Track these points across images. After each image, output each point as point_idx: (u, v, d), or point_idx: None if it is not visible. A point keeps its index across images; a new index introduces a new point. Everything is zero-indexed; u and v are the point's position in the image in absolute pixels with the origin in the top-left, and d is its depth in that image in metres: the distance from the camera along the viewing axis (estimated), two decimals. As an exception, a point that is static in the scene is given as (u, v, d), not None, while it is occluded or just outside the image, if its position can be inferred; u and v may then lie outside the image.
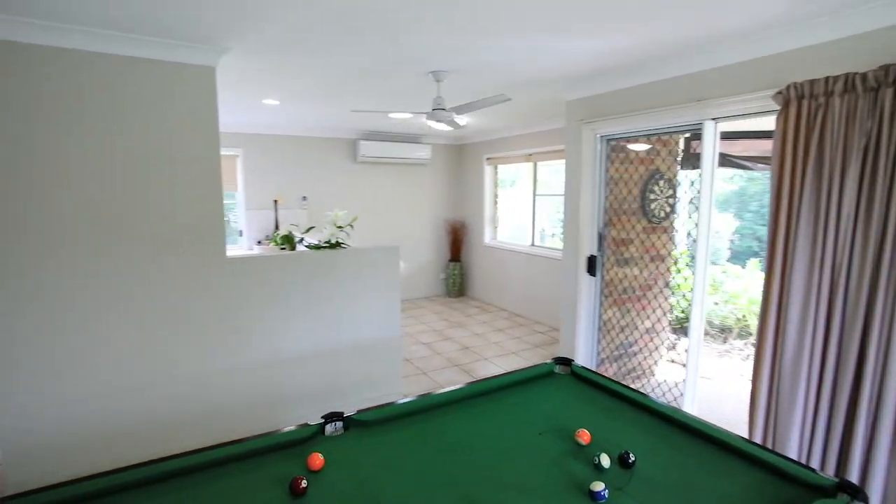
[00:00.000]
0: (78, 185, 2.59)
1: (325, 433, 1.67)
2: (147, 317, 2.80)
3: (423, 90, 3.76)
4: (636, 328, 3.91)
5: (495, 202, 6.65)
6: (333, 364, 3.37)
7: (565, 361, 2.16)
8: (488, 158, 6.52)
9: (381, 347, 3.53)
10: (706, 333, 5.40)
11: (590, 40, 2.54)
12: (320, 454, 1.46)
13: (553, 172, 5.80)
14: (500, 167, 6.55)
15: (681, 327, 4.67)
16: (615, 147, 3.58)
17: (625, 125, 3.26)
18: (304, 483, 1.31)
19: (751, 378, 2.46)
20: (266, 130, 5.79)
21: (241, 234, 5.89)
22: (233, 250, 5.90)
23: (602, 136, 3.50)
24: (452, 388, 1.97)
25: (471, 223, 7.04)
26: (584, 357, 3.73)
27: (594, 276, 3.62)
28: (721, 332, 5.32)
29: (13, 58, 2.39)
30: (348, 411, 1.77)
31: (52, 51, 2.46)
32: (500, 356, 4.59)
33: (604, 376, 2.00)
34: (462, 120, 4.89)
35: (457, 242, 7.03)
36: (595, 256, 3.59)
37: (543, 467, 1.43)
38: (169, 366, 2.90)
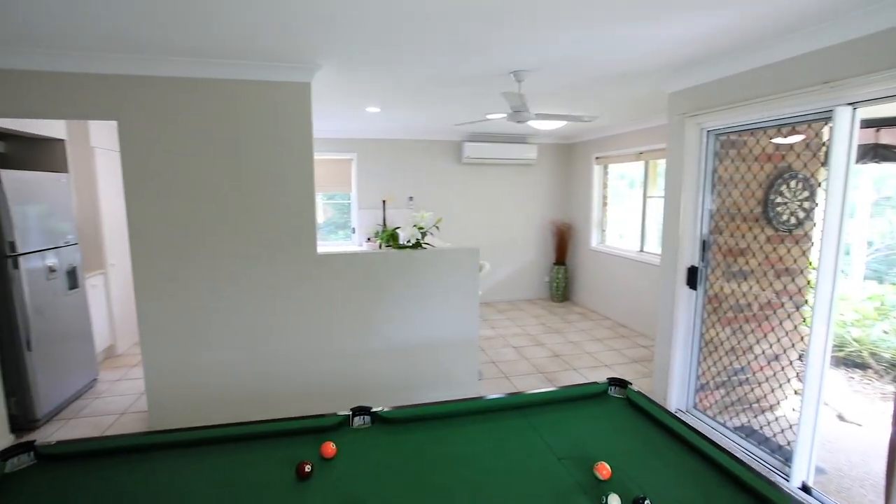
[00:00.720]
0: (209, 191, 3.09)
1: (353, 425, 1.76)
2: (255, 302, 3.24)
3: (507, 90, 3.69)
4: (752, 353, 3.36)
5: (604, 204, 6.23)
6: (411, 359, 3.51)
7: (621, 383, 1.96)
8: (597, 157, 6.13)
9: (458, 348, 3.57)
10: (869, 368, 4.42)
11: (691, 20, 2.23)
12: (333, 443, 1.55)
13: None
14: (611, 167, 6.11)
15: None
16: (725, 143, 3.12)
17: (734, 117, 2.82)
18: (308, 468, 1.41)
19: (892, 422, 1.96)
20: (377, 135, 6.21)
21: (353, 231, 6.42)
22: (346, 246, 6.47)
23: (708, 131, 3.08)
24: (493, 396, 1.93)
25: (577, 225, 6.71)
26: (678, 379, 3.33)
27: (694, 289, 3.20)
28: (892, 367, 4.29)
29: (156, 90, 2.95)
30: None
31: (187, 81, 2.97)
32: (591, 368, 4.31)
33: (660, 407, 1.78)
34: (550, 124, 4.70)
35: (562, 245, 6.76)
36: (696, 267, 3.17)
37: (545, 497, 1.33)
38: (270, 345, 3.30)
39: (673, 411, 3.28)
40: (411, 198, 6.45)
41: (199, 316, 3.18)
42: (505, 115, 3.37)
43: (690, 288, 3.22)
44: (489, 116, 3.72)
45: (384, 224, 6.35)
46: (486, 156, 6.38)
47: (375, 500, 1.32)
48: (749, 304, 3.33)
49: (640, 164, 5.40)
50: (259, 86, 3.08)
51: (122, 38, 2.48)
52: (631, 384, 1.95)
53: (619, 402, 1.89)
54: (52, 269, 3.62)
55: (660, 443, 1.60)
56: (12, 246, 3.24)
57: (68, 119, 3.03)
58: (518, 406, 1.87)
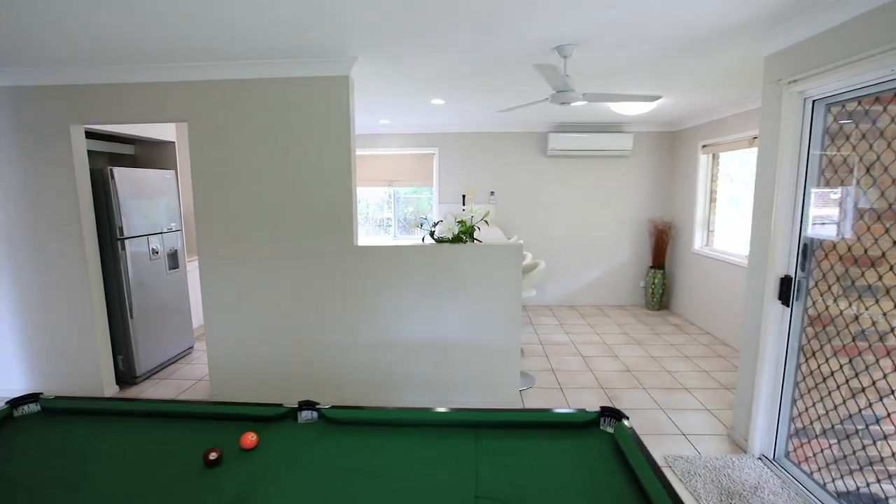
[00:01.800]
0: (260, 183, 3.31)
1: (299, 419, 1.69)
2: (298, 289, 3.39)
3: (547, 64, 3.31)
4: (878, 394, 2.55)
5: (711, 200, 5.33)
6: (445, 358, 3.36)
7: (615, 414, 1.60)
8: (704, 146, 5.27)
9: (496, 350, 3.33)
10: None
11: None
12: (254, 434, 1.49)
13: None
14: (721, 156, 5.20)
15: None
16: (841, 115, 2.39)
17: (853, 76, 2.14)
18: (213, 455, 1.37)
19: None
20: (459, 128, 6.12)
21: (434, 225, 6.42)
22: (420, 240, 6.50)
23: (814, 101, 2.40)
24: (445, 410, 1.71)
25: (679, 225, 5.86)
26: (764, 417, 2.68)
27: (788, 305, 2.53)
28: None
29: (215, 93, 3.22)
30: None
31: (241, 82, 3.19)
32: (664, 390, 3.70)
33: (645, 455, 1.39)
34: (633, 108, 4.12)
35: (660, 246, 5.96)
36: (791, 278, 2.50)
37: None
38: (311, 331, 3.43)
39: (756, 456, 2.66)
40: (493, 193, 6.24)
41: (251, 298, 3.42)
42: (547, 97, 3.02)
43: (783, 304, 2.56)
44: (527, 103, 3.35)
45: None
46: (574, 147, 5.89)
47: (260, 500, 1.23)
48: (881, 332, 2.53)
49: (755, 151, 4.48)
50: (301, 82, 3.18)
51: (177, 48, 2.75)
52: (627, 418, 1.57)
53: (605, 439, 1.53)
54: (154, 252, 4.21)
55: (627, 499, 1.25)
56: (121, 230, 3.83)
57: (151, 122, 3.46)
58: (476, 424, 1.63)
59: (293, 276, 3.36)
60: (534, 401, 3.50)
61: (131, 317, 3.92)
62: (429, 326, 3.32)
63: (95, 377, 3.68)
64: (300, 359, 3.44)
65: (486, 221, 3.52)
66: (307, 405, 1.71)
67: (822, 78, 2.25)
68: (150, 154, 4.78)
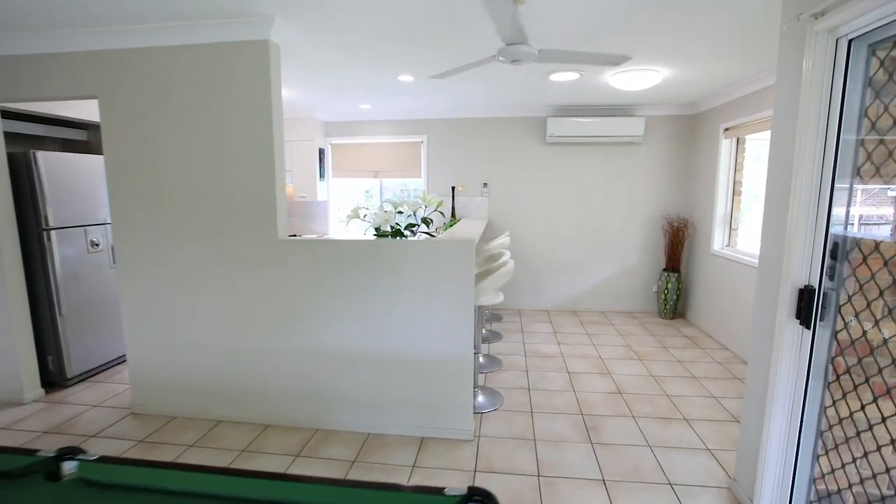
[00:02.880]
0: (175, 167, 2.86)
1: (63, 475, 1.18)
2: (218, 290, 2.92)
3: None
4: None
5: (735, 193, 4.56)
6: (385, 373, 2.82)
7: (485, 498, 1.01)
8: (726, 129, 4.50)
9: (445, 366, 2.76)
10: None
11: None
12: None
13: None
14: (747, 140, 4.42)
15: None
16: (889, 61, 1.70)
17: None
18: None
19: None
20: (448, 114, 5.55)
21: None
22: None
23: (849, 39, 1.72)
24: (235, 477, 1.16)
25: (697, 222, 5.09)
26: (773, 476, 2.01)
27: (809, 326, 1.85)
28: None
29: (126, 64, 2.78)
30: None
31: (144, 52, 2.74)
32: (659, 420, 3.03)
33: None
34: (636, 82, 3.45)
35: (675, 246, 5.21)
36: (813, 289, 1.83)
37: None
38: (235, 337, 2.96)
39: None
40: (485, 184, 5.64)
41: (171, 298, 2.98)
42: (494, 55, 2.41)
43: (802, 324, 1.88)
44: (468, 64, 2.70)
45: (453, 213, 5.68)
46: (576, 133, 5.21)
47: None
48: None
49: (785, 132, 3.72)
50: (216, 49, 2.70)
51: (78, 12, 2.31)
52: (494, 501, 0.98)
53: (466, 541, 0.95)
54: (94, 244, 3.85)
55: None
56: (46, 220, 3.47)
57: (60, 99, 3.06)
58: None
59: (215, 273, 2.90)
60: (493, 427, 2.90)
61: (60, 314, 3.55)
62: (366, 336, 2.78)
63: (16, 379, 3.33)
64: (226, 369, 2.98)
65: (440, 212, 2.96)
66: (68, 453, 1.20)
67: (865, 2, 1.57)
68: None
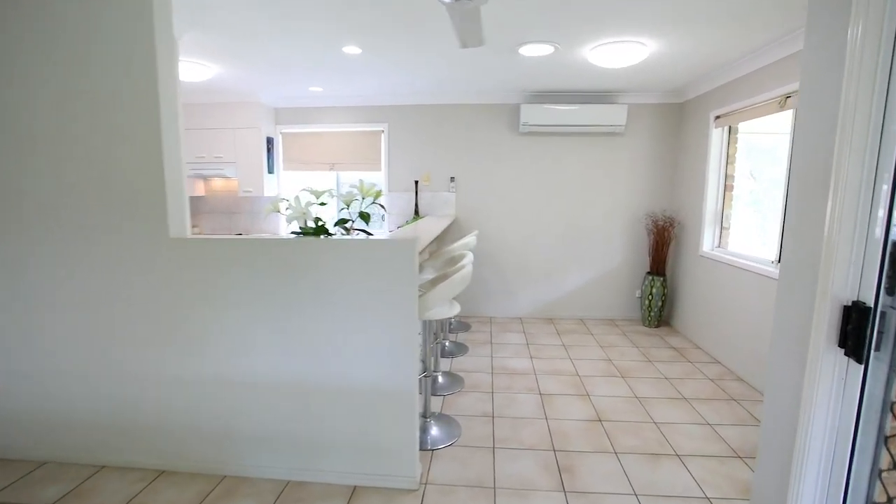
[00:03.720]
0: (26, 149, 2.22)
1: None
2: (92, 300, 2.29)
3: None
4: None
5: (726, 188, 4.10)
6: (308, 407, 2.24)
7: None
8: (717, 117, 4.04)
9: (383, 398, 2.19)
10: None
11: None
12: None
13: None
14: (740, 129, 3.97)
15: None
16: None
17: None
18: None
19: None
20: (412, 99, 4.98)
21: (383, 218, 5.31)
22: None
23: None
24: None
25: (684, 220, 4.63)
26: (801, 554, 1.48)
27: (860, 360, 1.33)
28: None
29: None
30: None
31: (-17, -23, 2.10)
32: (646, 457, 2.51)
33: None
34: (611, 57, 2.94)
35: (661, 247, 4.74)
36: (868, 308, 1.31)
37: None
38: (114, 363, 2.33)
39: None
40: (453, 178, 5.09)
41: (35, 315, 2.34)
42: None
43: (849, 356, 1.36)
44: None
45: (416, 210, 5.12)
46: (553, 122, 4.71)
47: None
48: None
49: (786, 116, 3.26)
50: (78, -18, 2.09)
51: None
52: None
53: None
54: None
55: None
56: None
57: None
58: None
59: (92, 281, 2.27)
60: (446, 469, 2.35)
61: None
62: (284, 360, 2.20)
63: None
64: (111, 401, 2.36)
65: (380, 205, 2.40)
66: None
67: None
68: None
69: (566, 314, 5.17)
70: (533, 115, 4.70)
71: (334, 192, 2.22)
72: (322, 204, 2.16)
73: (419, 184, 5.13)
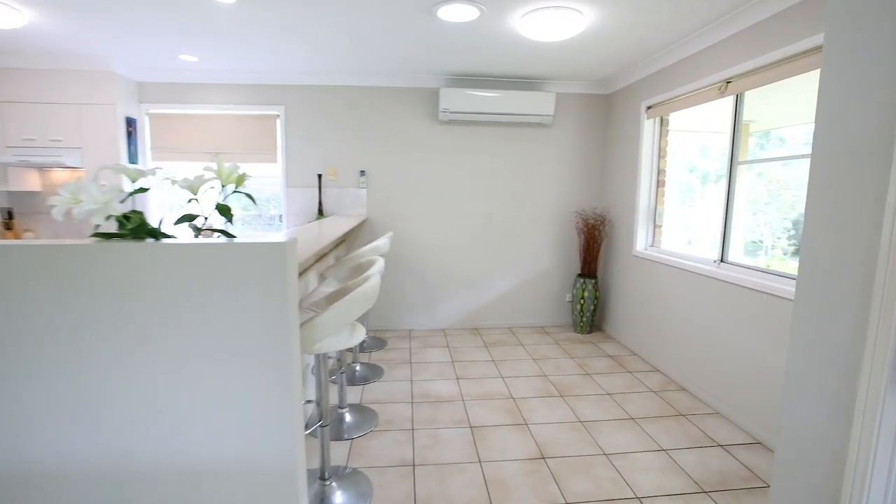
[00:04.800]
0: None
1: None
2: None
3: None
4: None
5: (658, 183, 3.85)
6: (128, 492, 1.45)
7: None
8: (650, 107, 3.77)
9: (248, 480, 1.46)
10: None
11: None
12: None
13: (778, 113, 2.81)
14: (673, 119, 3.73)
15: None
16: None
17: None
18: None
19: None
20: (313, 79, 4.24)
21: (280, 218, 4.48)
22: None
23: None
24: None
25: (615, 218, 4.35)
26: None
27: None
28: None
29: None
30: None
31: None
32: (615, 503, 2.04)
33: None
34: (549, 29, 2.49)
35: (592, 248, 4.43)
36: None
37: None
38: None
39: None
40: (363, 172, 4.41)
41: None
42: None
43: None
44: None
45: (320, 209, 4.37)
46: (476, 109, 4.21)
47: None
48: None
49: (725, 103, 3.01)
50: None
51: None
52: None
53: None
54: None
55: None
56: None
57: None
58: None
59: None
60: (347, 567, 1.68)
61: None
62: (82, 432, 1.40)
63: None
64: None
65: (248, 196, 1.69)
66: None
67: None
68: None
69: (493, 323, 4.69)
70: (454, 100, 4.17)
71: (180, 182, 1.47)
72: (142, 191, 1.40)
73: (323, 178, 4.38)
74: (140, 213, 1.40)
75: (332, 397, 3.03)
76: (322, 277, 3.19)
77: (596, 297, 4.42)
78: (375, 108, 4.33)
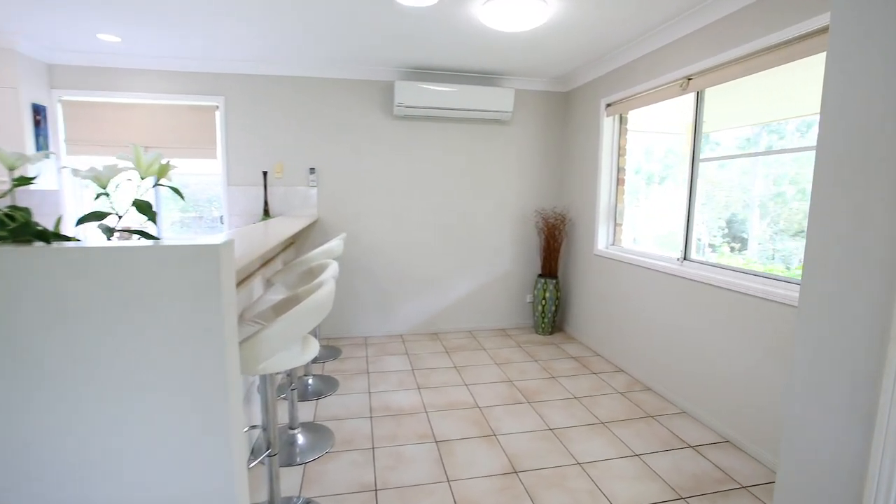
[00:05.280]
0: None
1: None
2: None
3: None
4: None
5: (619, 182, 3.82)
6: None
7: None
8: (609, 105, 3.74)
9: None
10: None
11: None
12: None
13: (745, 110, 2.82)
14: (632, 116, 3.71)
15: None
16: None
17: None
18: None
19: None
20: (257, 68, 3.90)
21: (221, 220, 4.10)
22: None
23: None
24: None
25: (575, 218, 4.31)
26: None
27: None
28: None
29: None
30: None
31: None
32: (586, 524, 1.90)
33: None
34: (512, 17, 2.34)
35: (552, 247, 4.36)
36: None
37: None
38: None
39: None
40: (313, 170, 4.11)
41: None
42: None
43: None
44: None
45: (266, 209, 4.03)
46: (432, 104, 4.02)
47: None
48: None
49: (686, 100, 3.00)
50: None
51: None
52: None
53: None
54: None
55: None
56: None
57: None
58: None
59: None
60: None
61: None
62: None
63: None
64: None
65: (174, 191, 1.41)
66: None
67: None
68: None
69: (453, 327, 4.52)
70: (409, 94, 3.97)
71: (80, 172, 1.18)
72: (27, 183, 1.11)
73: (269, 176, 4.04)
74: (26, 211, 1.10)
75: (282, 415, 2.74)
76: (269, 284, 2.90)
77: (557, 298, 4.35)
78: (326, 102, 4.05)
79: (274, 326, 1.43)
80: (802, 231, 2.42)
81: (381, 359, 3.77)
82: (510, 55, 3.60)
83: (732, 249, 2.92)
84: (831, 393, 1.08)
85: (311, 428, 2.61)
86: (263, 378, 1.71)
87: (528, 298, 4.64)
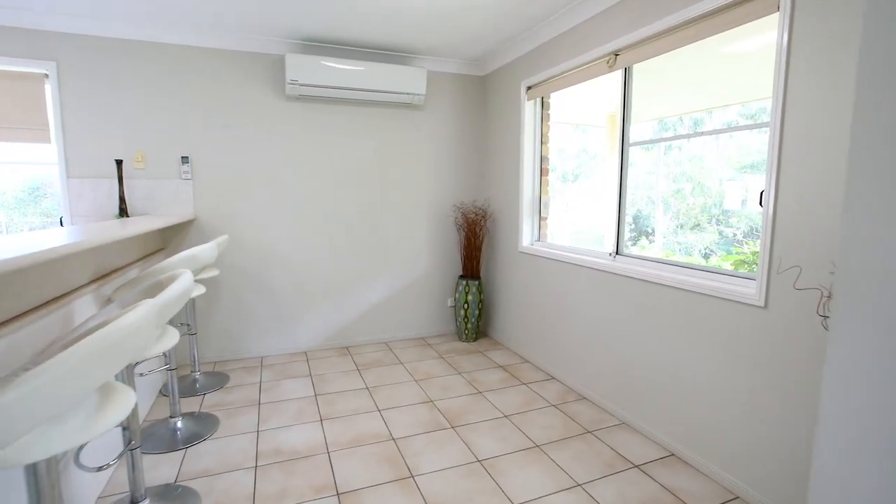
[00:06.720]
0: None
1: None
2: None
3: None
4: None
5: (542, 172, 3.53)
6: None
7: None
8: (530, 87, 3.42)
9: None
10: None
11: None
12: None
13: (676, 89, 2.59)
14: (554, 99, 3.43)
15: None
16: None
17: None
18: None
19: None
20: (104, 29, 3.08)
21: (61, 221, 3.21)
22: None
23: None
24: None
25: (498, 213, 3.96)
26: None
27: None
28: None
29: None
30: None
31: None
32: None
33: None
34: None
35: (474, 245, 3.98)
36: None
37: None
38: None
39: None
40: (186, 159, 3.36)
41: None
42: None
43: None
44: None
45: (122, 207, 3.21)
46: (332, 83, 3.45)
47: None
48: None
49: (612, 78, 2.74)
50: None
51: None
52: None
53: None
54: None
55: None
56: None
57: None
58: None
59: None
60: None
61: None
62: None
63: None
64: None
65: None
66: None
67: None
68: None
69: (366, 339, 3.98)
70: (304, 71, 3.37)
71: None
72: None
73: (127, 167, 3.24)
74: None
75: (120, 480, 2.05)
76: (107, 302, 2.18)
77: (481, 301, 3.98)
78: (201, 76, 3.32)
79: (20, 387, 0.83)
80: (699, 224, 2.45)
81: (279, 384, 3.13)
82: (423, 27, 3.15)
83: (652, 242, 2.79)
84: (875, 429, 0.73)
85: (168, 496, 1.95)
86: (30, 469, 1.07)
87: (450, 302, 4.22)
